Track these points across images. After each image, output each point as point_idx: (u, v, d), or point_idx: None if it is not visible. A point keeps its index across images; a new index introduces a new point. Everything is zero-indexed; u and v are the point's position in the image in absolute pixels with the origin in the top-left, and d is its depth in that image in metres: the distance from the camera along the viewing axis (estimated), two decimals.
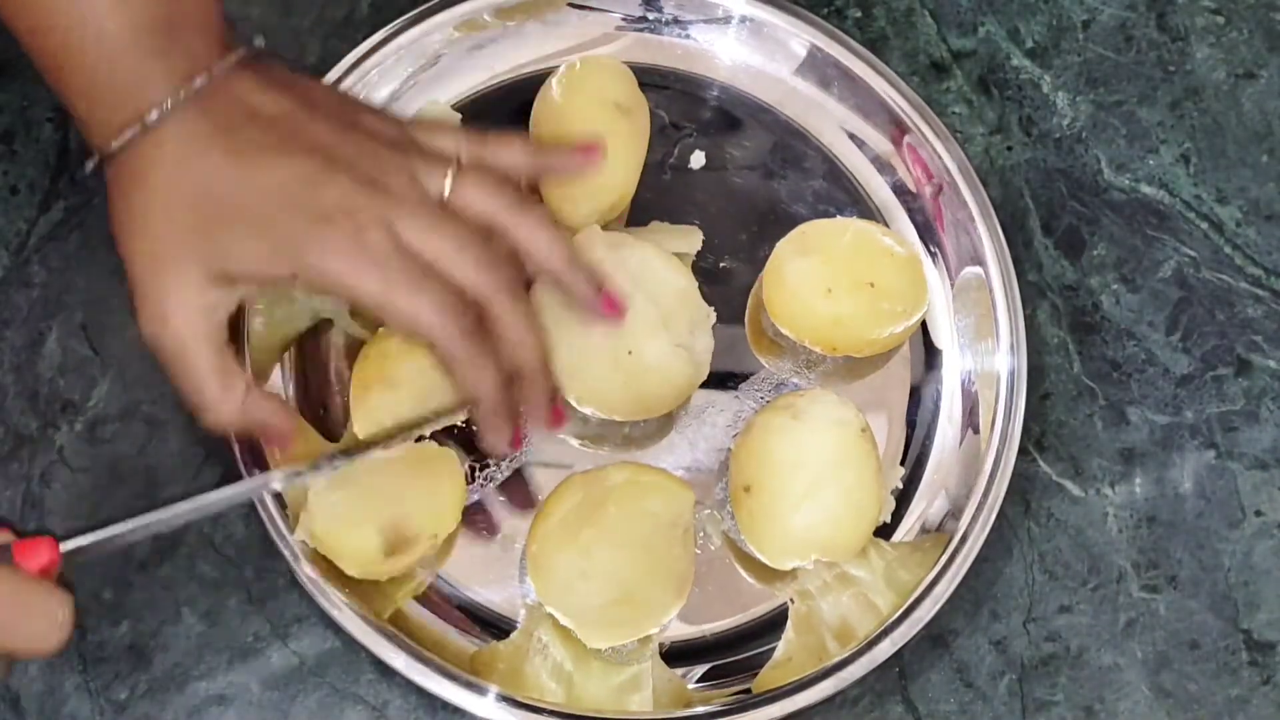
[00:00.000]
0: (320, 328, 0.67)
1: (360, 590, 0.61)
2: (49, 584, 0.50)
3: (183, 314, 0.54)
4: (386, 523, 0.60)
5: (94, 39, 0.54)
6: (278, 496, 0.61)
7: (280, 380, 0.66)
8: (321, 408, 0.66)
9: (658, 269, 0.65)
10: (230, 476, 0.63)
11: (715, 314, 0.66)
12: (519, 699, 0.60)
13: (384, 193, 0.54)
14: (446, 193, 0.55)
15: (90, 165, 0.55)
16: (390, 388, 0.62)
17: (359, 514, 0.60)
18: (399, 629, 0.61)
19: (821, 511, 0.62)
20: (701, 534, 0.65)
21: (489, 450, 0.63)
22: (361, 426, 0.62)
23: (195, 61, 0.54)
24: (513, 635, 0.62)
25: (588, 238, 0.65)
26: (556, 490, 0.63)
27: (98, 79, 0.54)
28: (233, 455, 0.62)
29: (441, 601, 0.64)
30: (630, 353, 0.64)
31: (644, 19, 0.73)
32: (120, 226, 0.55)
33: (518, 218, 0.57)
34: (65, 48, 0.54)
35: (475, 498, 0.65)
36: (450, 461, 0.62)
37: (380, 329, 0.64)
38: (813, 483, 0.62)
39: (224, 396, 0.55)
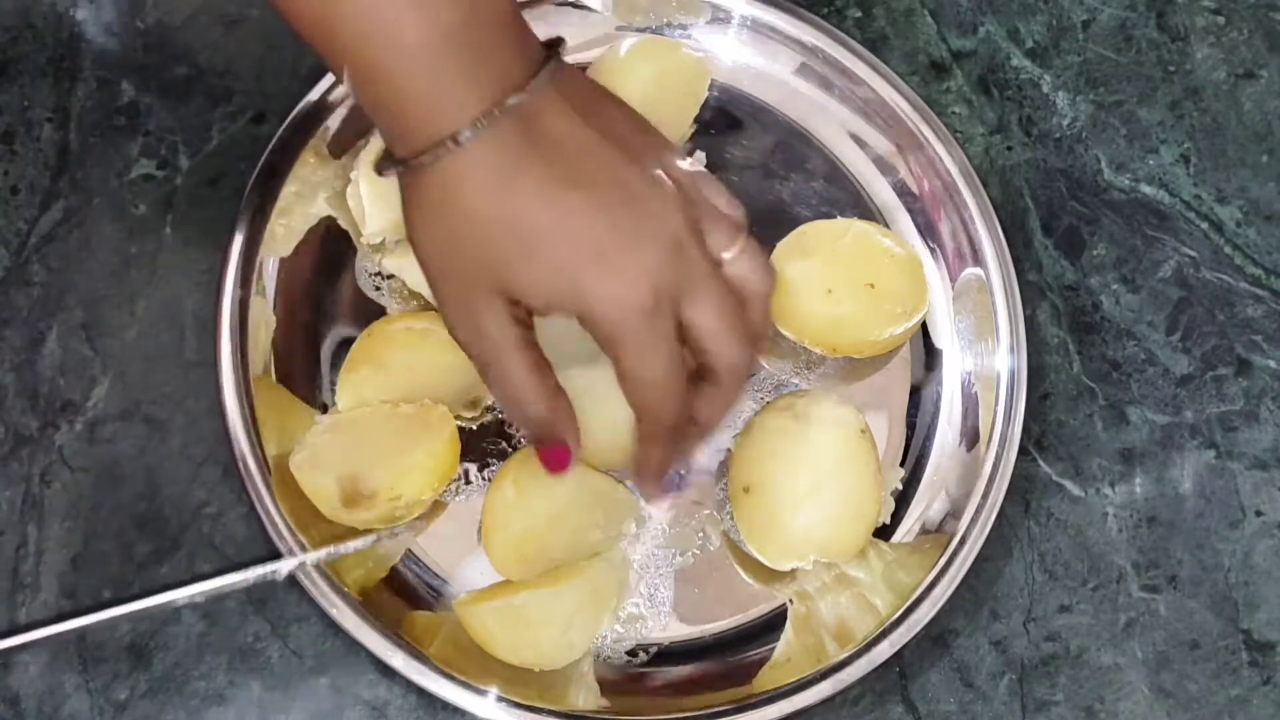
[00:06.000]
0: (317, 326, 0.67)
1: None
2: None
3: (496, 328, 0.55)
4: (345, 474, 0.61)
5: (392, 48, 0.51)
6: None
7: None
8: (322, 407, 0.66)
9: None
10: (229, 478, 0.63)
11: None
12: (518, 700, 0.60)
13: (685, 263, 0.54)
14: (728, 257, 0.56)
15: (389, 171, 0.54)
16: (378, 368, 0.63)
17: (328, 460, 0.61)
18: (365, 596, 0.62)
19: (821, 512, 0.62)
20: (701, 534, 0.66)
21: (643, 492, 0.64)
22: (344, 399, 0.64)
23: (507, 76, 0.53)
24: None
25: None
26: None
27: (401, 90, 0.52)
28: (233, 455, 0.62)
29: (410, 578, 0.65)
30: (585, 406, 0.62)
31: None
32: (426, 242, 0.55)
33: (768, 313, 0.58)
34: (363, 55, 0.52)
35: (475, 497, 0.65)
36: (440, 430, 0.62)
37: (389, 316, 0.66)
38: (812, 484, 0.62)
39: (541, 394, 0.57)
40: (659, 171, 0.55)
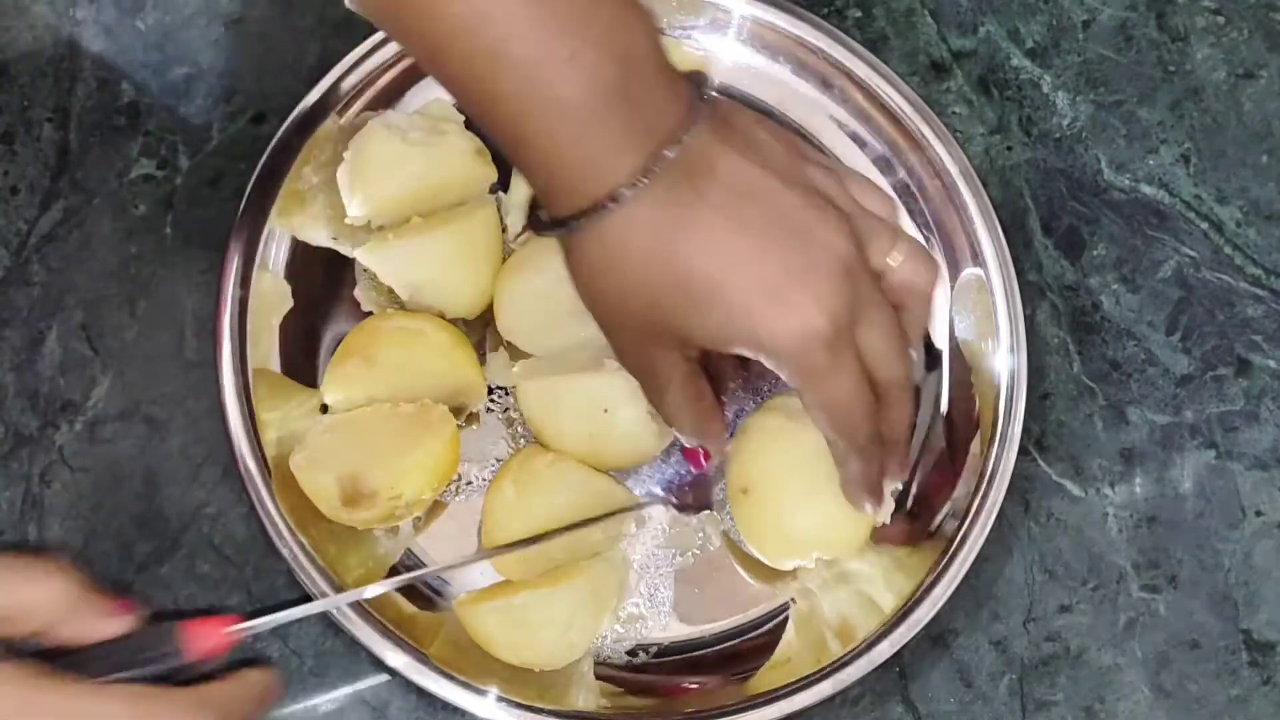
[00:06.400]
0: (317, 313, 0.67)
1: (333, 549, 0.62)
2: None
3: (667, 370, 0.57)
4: (345, 473, 0.61)
5: (549, 109, 0.51)
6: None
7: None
8: None
9: None
10: (229, 478, 0.63)
11: None
12: (518, 700, 0.60)
13: (855, 288, 0.55)
14: (893, 265, 0.57)
15: (545, 232, 0.55)
16: (367, 363, 0.63)
17: (328, 459, 0.61)
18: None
19: (820, 513, 0.62)
20: (701, 534, 0.66)
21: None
22: (331, 391, 0.63)
23: (662, 123, 0.52)
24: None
25: None
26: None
27: (559, 151, 0.52)
28: (233, 455, 0.62)
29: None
30: (606, 411, 0.63)
31: None
32: (593, 300, 0.56)
33: (929, 307, 0.60)
34: (519, 119, 0.52)
35: (475, 497, 0.65)
36: (440, 430, 0.62)
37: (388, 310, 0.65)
38: (811, 484, 0.62)
39: (698, 416, 0.59)
40: (815, 191, 0.56)
